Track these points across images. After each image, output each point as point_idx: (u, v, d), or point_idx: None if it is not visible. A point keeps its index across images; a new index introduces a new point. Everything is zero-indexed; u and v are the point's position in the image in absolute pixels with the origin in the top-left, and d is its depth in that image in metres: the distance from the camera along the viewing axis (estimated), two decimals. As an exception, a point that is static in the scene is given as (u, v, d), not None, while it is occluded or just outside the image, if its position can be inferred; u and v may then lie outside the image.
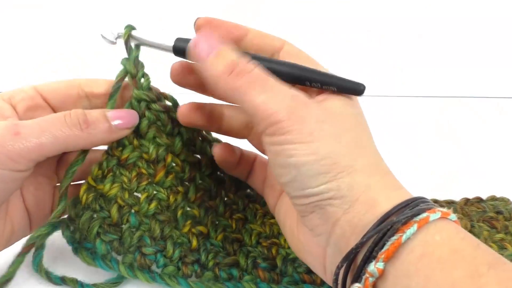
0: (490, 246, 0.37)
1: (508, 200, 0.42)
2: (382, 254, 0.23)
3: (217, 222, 0.37)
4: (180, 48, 0.30)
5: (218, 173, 0.37)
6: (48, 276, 0.35)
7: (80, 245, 0.34)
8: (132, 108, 0.33)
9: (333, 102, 0.28)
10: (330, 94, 0.29)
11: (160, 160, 0.34)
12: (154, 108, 0.33)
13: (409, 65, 0.63)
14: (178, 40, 0.30)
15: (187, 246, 0.35)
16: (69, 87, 0.34)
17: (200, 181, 0.36)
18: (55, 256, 0.37)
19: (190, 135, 0.35)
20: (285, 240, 0.35)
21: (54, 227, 0.33)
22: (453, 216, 0.25)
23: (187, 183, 0.36)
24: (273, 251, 0.36)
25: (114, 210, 0.33)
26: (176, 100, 0.35)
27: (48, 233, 0.33)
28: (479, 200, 0.42)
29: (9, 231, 0.32)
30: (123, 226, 0.34)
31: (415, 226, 0.23)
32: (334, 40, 0.65)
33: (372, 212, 0.25)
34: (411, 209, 0.24)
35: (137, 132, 0.33)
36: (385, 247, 0.23)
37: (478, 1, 0.65)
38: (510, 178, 0.47)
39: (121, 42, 0.32)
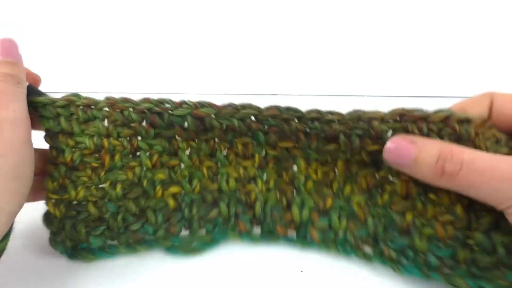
0: None
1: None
2: None
3: (187, 175, 0.37)
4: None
5: (163, 130, 0.36)
6: None
7: (75, 250, 0.36)
8: (45, 115, 0.35)
9: None
10: None
11: (100, 148, 0.36)
12: (60, 105, 0.35)
13: (409, 65, 0.63)
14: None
15: (167, 209, 0.36)
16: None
17: (147, 147, 0.36)
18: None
19: (107, 115, 0.35)
20: (262, 183, 0.36)
21: None
22: None
23: (138, 153, 0.36)
24: (252, 196, 0.37)
25: (91, 208, 0.36)
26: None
27: None
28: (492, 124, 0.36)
29: None
30: (106, 216, 0.36)
31: None
32: (334, 40, 0.65)
33: None
34: None
35: (66, 133, 0.35)
36: None
37: (478, 2, 0.65)
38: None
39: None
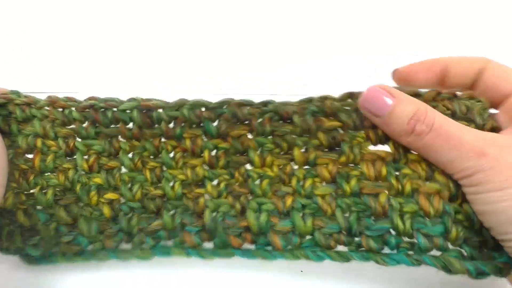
0: None
1: (486, 102, 0.33)
2: None
3: (127, 179, 0.33)
4: None
5: (105, 128, 0.33)
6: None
7: (21, 256, 0.34)
8: None
9: None
10: None
11: (33, 148, 0.33)
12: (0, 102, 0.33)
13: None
14: None
15: (103, 218, 0.33)
16: None
17: (84, 148, 0.33)
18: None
19: (47, 114, 0.33)
20: (211, 186, 0.33)
21: None
22: None
23: (74, 155, 0.33)
24: (201, 203, 0.32)
25: (20, 217, 0.33)
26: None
27: None
28: (452, 95, 0.33)
29: None
30: (38, 225, 0.33)
31: None
32: (333, 40, 0.65)
33: None
34: None
35: (2, 132, 0.33)
36: None
37: (478, 3, 0.65)
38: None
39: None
